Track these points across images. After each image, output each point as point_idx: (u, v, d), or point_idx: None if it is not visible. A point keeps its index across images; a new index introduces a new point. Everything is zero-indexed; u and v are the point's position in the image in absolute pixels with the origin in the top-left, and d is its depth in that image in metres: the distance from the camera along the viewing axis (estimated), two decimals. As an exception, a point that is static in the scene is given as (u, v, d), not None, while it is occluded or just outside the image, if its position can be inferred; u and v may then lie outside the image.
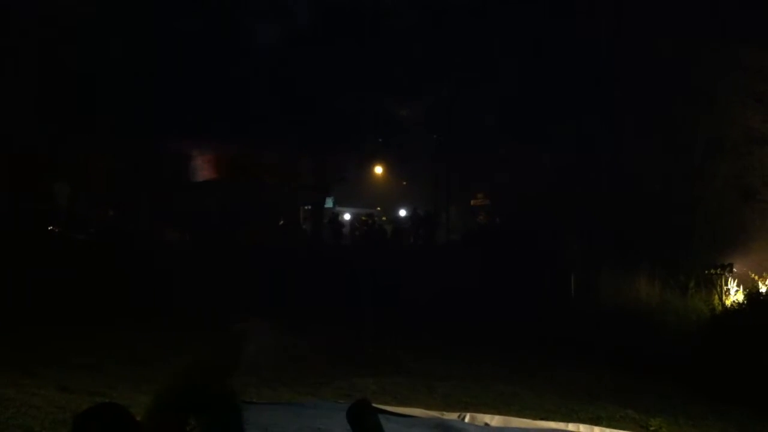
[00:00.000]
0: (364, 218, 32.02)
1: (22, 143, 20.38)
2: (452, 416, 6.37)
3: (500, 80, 23.35)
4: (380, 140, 28.87)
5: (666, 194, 16.73)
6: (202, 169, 26.22)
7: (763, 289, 13.54)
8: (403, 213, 34.49)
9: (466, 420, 6.28)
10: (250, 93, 24.28)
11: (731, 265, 14.82)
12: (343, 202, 37.31)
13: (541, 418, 6.61)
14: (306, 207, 31.53)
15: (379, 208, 38.94)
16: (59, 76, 20.83)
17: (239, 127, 24.08)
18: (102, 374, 7.82)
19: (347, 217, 35.62)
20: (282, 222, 29.10)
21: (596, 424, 6.47)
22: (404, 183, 35.21)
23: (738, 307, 13.03)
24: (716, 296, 14.08)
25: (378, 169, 35.18)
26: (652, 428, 6.87)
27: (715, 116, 16.39)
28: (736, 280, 14.37)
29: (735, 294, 13.96)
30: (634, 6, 17.35)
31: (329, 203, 32.92)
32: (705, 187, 16.42)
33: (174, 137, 23.19)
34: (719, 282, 14.38)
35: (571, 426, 6.30)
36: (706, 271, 14.76)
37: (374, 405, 4.41)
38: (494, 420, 6.32)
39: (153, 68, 22.33)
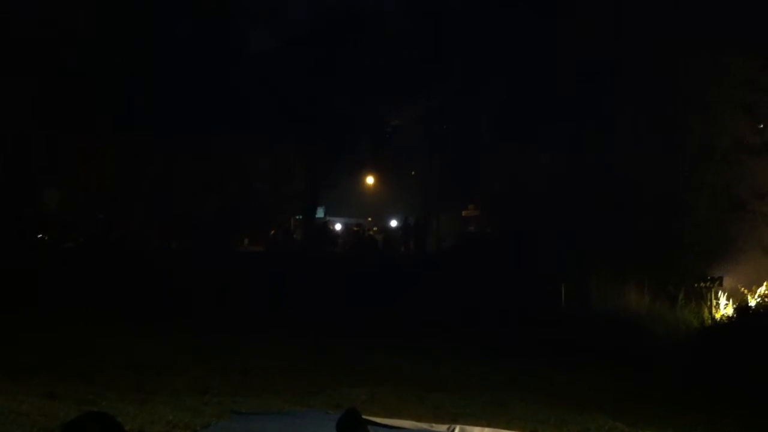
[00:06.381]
0: (355, 228, 32.03)
1: (12, 149, 20.30)
2: (441, 428, 6.33)
3: (494, 85, 23.27)
4: (372, 147, 28.75)
5: (656, 203, 16.77)
6: (192, 175, 26.07)
7: (752, 303, 13.59)
8: (394, 223, 34.41)
9: (456, 432, 6.25)
10: (241, 99, 24.19)
11: (721, 278, 14.85)
12: (334, 212, 37.22)
13: (531, 430, 6.60)
14: (297, 217, 31.46)
15: (370, 219, 38.89)
16: (51, 80, 20.74)
17: (230, 134, 23.99)
18: (90, 382, 7.77)
19: (338, 227, 35.55)
20: (273, 231, 29.06)
21: (585, 436, 6.47)
22: (397, 191, 35.09)
23: (727, 321, 13.09)
24: (706, 309, 14.10)
25: (369, 179, 35.14)
26: (640, 440, 6.87)
27: (705, 125, 16.44)
28: (725, 294, 14.39)
29: (725, 308, 13.99)
30: (629, 14, 17.41)
31: (320, 213, 32.83)
32: (695, 197, 16.44)
33: (165, 142, 23.07)
34: (709, 295, 14.41)
35: (560, 437, 6.30)
36: (696, 284, 14.76)
37: (363, 416, 4.40)
38: (484, 432, 6.29)
39: (146, 72, 22.27)
